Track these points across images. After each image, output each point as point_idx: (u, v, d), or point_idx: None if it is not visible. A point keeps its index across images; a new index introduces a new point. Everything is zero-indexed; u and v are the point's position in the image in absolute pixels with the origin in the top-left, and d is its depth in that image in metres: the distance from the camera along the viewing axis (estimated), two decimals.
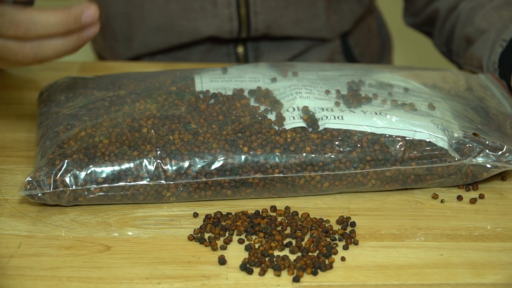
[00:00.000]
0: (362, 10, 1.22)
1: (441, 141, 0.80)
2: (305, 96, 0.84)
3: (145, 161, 0.78)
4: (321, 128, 0.80)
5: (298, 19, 1.14)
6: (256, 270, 0.71)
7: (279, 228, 0.76)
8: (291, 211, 0.79)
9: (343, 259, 0.72)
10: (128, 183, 0.77)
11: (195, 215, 0.78)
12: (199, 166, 0.78)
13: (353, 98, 0.84)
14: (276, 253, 0.73)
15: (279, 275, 0.70)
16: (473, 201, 0.81)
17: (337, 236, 0.75)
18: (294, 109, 0.82)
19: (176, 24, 1.12)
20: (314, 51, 1.19)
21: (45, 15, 0.71)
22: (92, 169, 0.77)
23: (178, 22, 1.12)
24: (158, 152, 0.78)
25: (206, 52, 1.16)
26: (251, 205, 0.80)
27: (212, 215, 0.77)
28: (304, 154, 0.79)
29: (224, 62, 1.16)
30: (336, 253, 0.73)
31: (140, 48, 1.16)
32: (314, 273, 0.71)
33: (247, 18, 1.11)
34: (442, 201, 0.81)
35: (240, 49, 1.16)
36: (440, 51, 1.18)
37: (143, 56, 1.18)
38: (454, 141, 0.81)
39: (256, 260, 0.71)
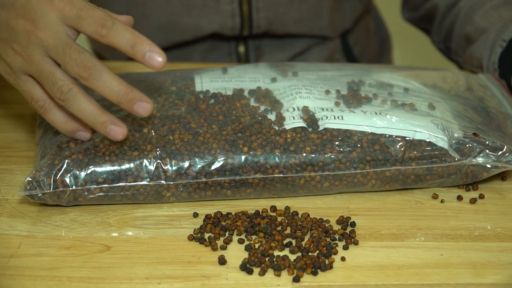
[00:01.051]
0: (361, 8, 1.22)
1: (441, 141, 0.80)
2: (305, 96, 0.84)
3: (145, 161, 0.78)
4: (321, 128, 0.80)
5: (301, 17, 1.14)
6: (256, 270, 0.71)
7: (279, 228, 0.76)
8: (291, 211, 0.79)
9: (343, 259, 0.72)
10: (128, 183, 0.77)
11: (195, 215, 0.78)
12: (199, 166, 0.78)
13: (353, 98, 0.84)
14: (276, 253, 0.73)
15: (279, 275, 0.70)
16: (473, 201, 0.81)
17: (337, 236, 0.75)
18: (294, 109, 0.82)
19: (178, 22, 1.12)
20: (315, 50, 1.19)
21: (112, 77, 0.73)
22: (92, 169, 0.77)
23: (180, 19, 1.12)
24: (158, 152, 0.78)
25: (208, 51, 1.16)
26: (251, 205, 0.80)
27: (212, 215, 0.77)
28: (304, 154, 0.79)
29: (225, 62, 1.16)
30: (336, 253, 0.73)
31: None
32: (314, 273, 0.71)
33: (249, 14, 1.11)
34: (442, 201, 0.81)
35: (242, 49, 1.16)
36: (438, 48, 1.17)
37: None
38: (454, 141, 0.81)
39: (256, 260, 0.71)
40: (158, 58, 0.72)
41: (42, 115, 0.77)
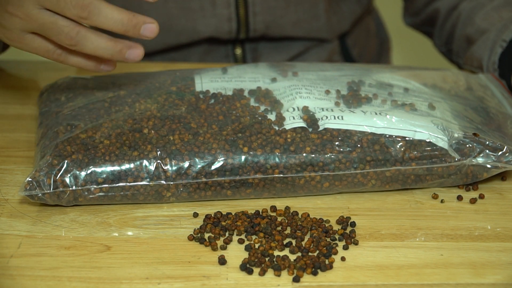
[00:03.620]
0: (360, 10, 1.22)
1: (441, 141, 0.80)
2: (305, 96, 0.84)
3: (145, 162, 0.78)
4: (321, 128, 0.80)
5: (298, 19, 1.14)
6: (256, 270, 0.71)
7: (279, 228, 0.76)
8: (291, 211, 0.79)
9: (343, 259, 0.72)
10: (128, 184, 0.77)
11: (195, 215, 0.78)
12: (199, 166, 0.78)
13: (353, 98, 0.84)
14: (276, 253, 0.73)
15: (279, 275, 0.70)
16: (473, 201, 0.81)
17: (337, 236, 0.75)
18: (294, 109, 0.82)
19: (175, 24, 1.12)
20: (313, 52, 1.19)
21: (111, 8, 0.74)
22: (92, 169, 0.77)
23: (177, 22, 1.12)
24: (158, 152, 0.78)
25: (204, 54, 1.16)
26: (251, 205, 0.80)
27: (212, 215, 0.77)
28: (304, 154, 0.79)
29: (222, 64, 1.16)
30: (336, 253, 0.73)
31: None
32: (314, 273, 0.71)
33: (246, 18, 1.11)
34: (442, 201, 0.81)
35: (238, 51, 1.16)
36: (440, 51, 1.18)
37: None
38: (454, 141, 0.81)
39: (256, 260, 0.71)
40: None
41: (64, 62, 0.78)
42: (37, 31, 0.75)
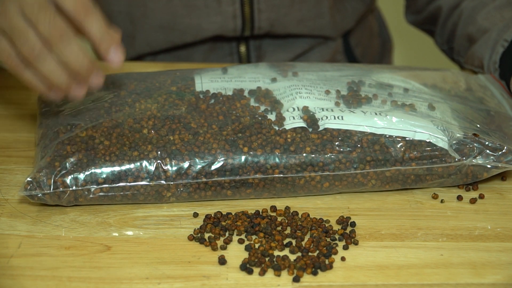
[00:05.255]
0: (364, 8, 1.22)
1: (441, 142, 0.80)
2: (305, 96, 0.84)
3: (145, 162, 0.78)
4: (321, 128, 0.80)
5: (302, 17, 1.14)
6: (256, 270, 0.71)
7: (279, 228, 0.76)
8: (291, 211, 0.79)
9: (343, 259, 0.72)
10: (128, 184, 0.77)
11: (195, 215, 0.78)
12: (199, 166, 0.78)
13: (353, 98, 0.84)
14: (276, 253, 0.73)
15: (279, 275, 0.70)
16: (473, 201, 0.81)
17: (337, 236, 0.75)
18: (294, 109, 0.82)
19: (179, 22, 1.12)
20: (316, 51, 1.19)
21: (78, 46, 0.74)
22: (92, 169, 0.77)
23: (181, 20, 1.12)
24: (158, 153, 0.78)
25: (209, 52, 1.16)
26: (251, 205, 0.80)
27: (212, 215, 0.77)
28: (304, 155, 0.79)
29: (226, 62, 1.16)
30: (336, 253, 0.73)
31: (142, 47, 1.16)
32: (314, 273, 0.71)
33: (250, 16, 1.11)
34: (442, 201, 0.81)
35: (243, 49, 1.16)
36: (441, 49, 1.17)
37: (146, 55, 1.18)
38: (454, 142, 0.81)
39: (256, 260, 0.71)
40: (116, 56, 0.75)
41: (18, 74, 0.76)
42: (6, 31, 0.75)
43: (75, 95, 0.76)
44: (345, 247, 0.74)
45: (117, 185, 0.77)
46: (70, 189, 0.77)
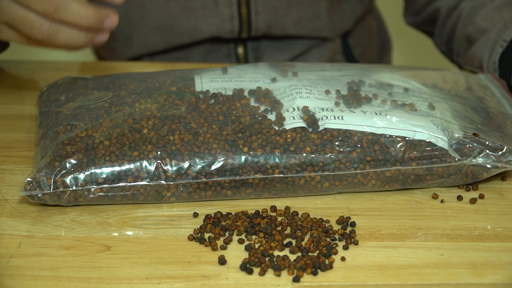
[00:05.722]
0: (362, 9, 1.22)
1: (441, 141, 0.80)
2: (305, 96, 0.84)
3: (145, 162, 0.78)
4: (321, 128, 0.80)
5: (300, 18, 1.14)
6: (256, 270, 0.71)
7: (279, 228, 0.76)
8: (291, 211, 0.79)
9: (343, 259, 0.72)
10: (128, 184, 0.77)
11: (195, 215, 0.78)
12: (199, 166, 0.78)
13: (353, 98, 0.84)
14: (276, 253, 0.73)
15: (279, 275, 0.70)
16: (473, 201, 0.81)
17: (337, 236, 0.75)
18: (294, 109, 0.82)
19: (177, 24, 1.12)
20: (315, 52, 1.19)
21: (78, 4, 0.76)
22: (92, 169, 0.77)
23: (179, 21, 1.12)
24: (158, 153, 0.78)
25: (207, 53, 1.16)
26: (251, 205, 0.80)
27: (212, 215, 0.77)
28: (304, 155, 0.79)
29: (224, 63, 1.16)
30: (336, 253, 0.73)
31: (140, 48, 1.16)
32: (314, 273, 0.71)
33: (248, 17, 1.11)
34: (442, 201, 0.81)
35: (240, 50, 1.16)
36: (440, 50, 1.18)
37: (143, 56, 1.18)
38: (454, 141, 0.81)
39: (256, 260, 0.71)
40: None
41: (51, 38, 0.78)
42: (8, 22, 0.77)
43: (100, 41, 0.80)
44: (345, 247, 0.74)
45: (117, 185, 0.77)
46: (70, 189, 0.77)
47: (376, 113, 0.82)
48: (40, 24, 0.76)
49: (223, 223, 0.77)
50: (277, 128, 0.80)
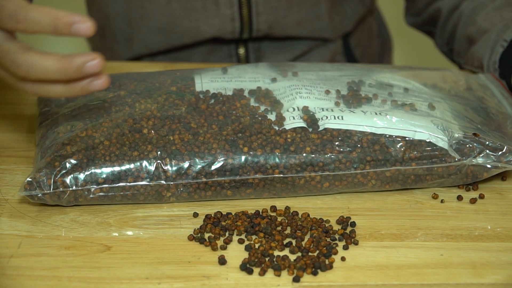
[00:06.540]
0: (363, 10, 1.22)
1: (441, 141, 0.80)
2: (305, 96, 0.84)
3: (145, 162, 0.78)
4: (321, 128, 0.80)
5: (301, 19, 1.14)
6: (256, 270, 0.71)
7: (279, 228, 0.76)
8: (291, 211, 0.79)
9: (343, 259, 0.72)
10: (128, 184, 0.77)
11: (195, 215, 0.78)
12: (199, 166, 0.78)
13: (353, 98, 0.84)
14: (276, 253, 0.73)
15: (279, 275, 0.70)
16: (473, 201, 0.81)
17: (337, 236, 0.75)
18: (294, 109, 0.82)
19: (178, 24, 1.12)
20: (316, 52, 1.19)
21: (45, 61, 0.69)
22: (92, 169, 0.77)
23: (180, 22, 1.12)
24: (158, 153, 0.78)
25: (207, 54, 1.16)
26: (251, 205, 0.80)
27: (212, 215, 0.77)
28: (304, 155, 0.79)
29: (225, 63, 1.16)
30: (336, 253, 0.73)
31: (140, 49, 1.16)
32: (314, 273, 0.71)
33: (249, 18, 1.11)
34: (442, 201, 0.81)
35: (241, 51, 1.16)
36: (441, 50, 1.18)
37: (144, 57, 1.18)
38: (454, 141, 0.81)
39: (256, 260, 0.71)
40: (83, 26, 0.68)
41: (39, 94, 0.73)
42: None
43: (98, 88, 0.71)
44: (345, 247, 0.74)
45: (117, 185, 0.77)
46: (70, 189, 0.77)
47: (376, 113, 0.82)
48: (22, 85, 0.71)
49: (223, 223, 0.77)
50: (277, 128, 0.80)
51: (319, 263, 0.71)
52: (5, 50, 0.71)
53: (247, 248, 0.73)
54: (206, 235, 0.75)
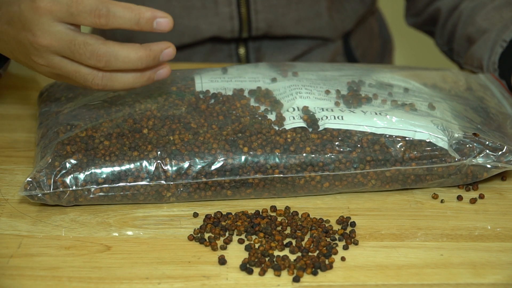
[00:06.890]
0: (364, 9, 1.22)
1: (441, 141, 0.80)
2: (305, 96, 0.84)
3: (145, 162, 0.78)
4: (321, 128, 0.80)
5: (300, 17, 1.14)
6: (256, 270, 0.71)
7: (279, 228, 0.76)
8: (291, 211, 0.79)
9: (343, 259, 0.72)
10: (128, 184, 0.77)
11: (195, 215, 0.78)
12: (199, 166, 0.78)
13: (353, 98, 0.84)
14: (276, 253, 0.73)
15: (279, 275, 0.70)
16: (473, 201, 0.81)
17: (337, 236, 0.75)
18: (294, 109, 0.82)
19: (177, 23, 1.12)
20: (316, 52, 1.19)
21: (126, 51, 0.72)
22: (92, 169, 0.77)
23: (179, 21, 1.12)
24: (158, 153, 0.78)
25: (208, 54, 1.16)
26: (251, 205, 0.80)
27: (212, 215, 0.77)
28: (304, 155, 0.79)
29: (225, 63, 1.16)
30: (336, 253, 0.73)
31: None
32: (314, 273, 0.71)
33: (247, 16, 1.11)
34: (442, 201, 0.81)
35: (242, 50, 1.16)
36: (441, 50, 1.18)
37: None
38: (454, 141, 0.81)
39: (256, 260, 0.71)
40: (165, 21, 0.73)
41: (107, 86, 0.76)
42: (65, 76, 0.75)
43: (161, 77, 0.76)
44: (345, 247, 0.74)
45: (117, 185, 0.77)
46: (70, 189, 0.77)
47: (376, 113, 0.82)
48: (92, 76, 0.74)
49: (223, 223, 0.77)
50: (277, 128, 0.80)
51: (319, 263, 0.71)
52: (82, 42, 0.73)
53: (247, 248, 0.73)
54: (206, 235, 0.75)
